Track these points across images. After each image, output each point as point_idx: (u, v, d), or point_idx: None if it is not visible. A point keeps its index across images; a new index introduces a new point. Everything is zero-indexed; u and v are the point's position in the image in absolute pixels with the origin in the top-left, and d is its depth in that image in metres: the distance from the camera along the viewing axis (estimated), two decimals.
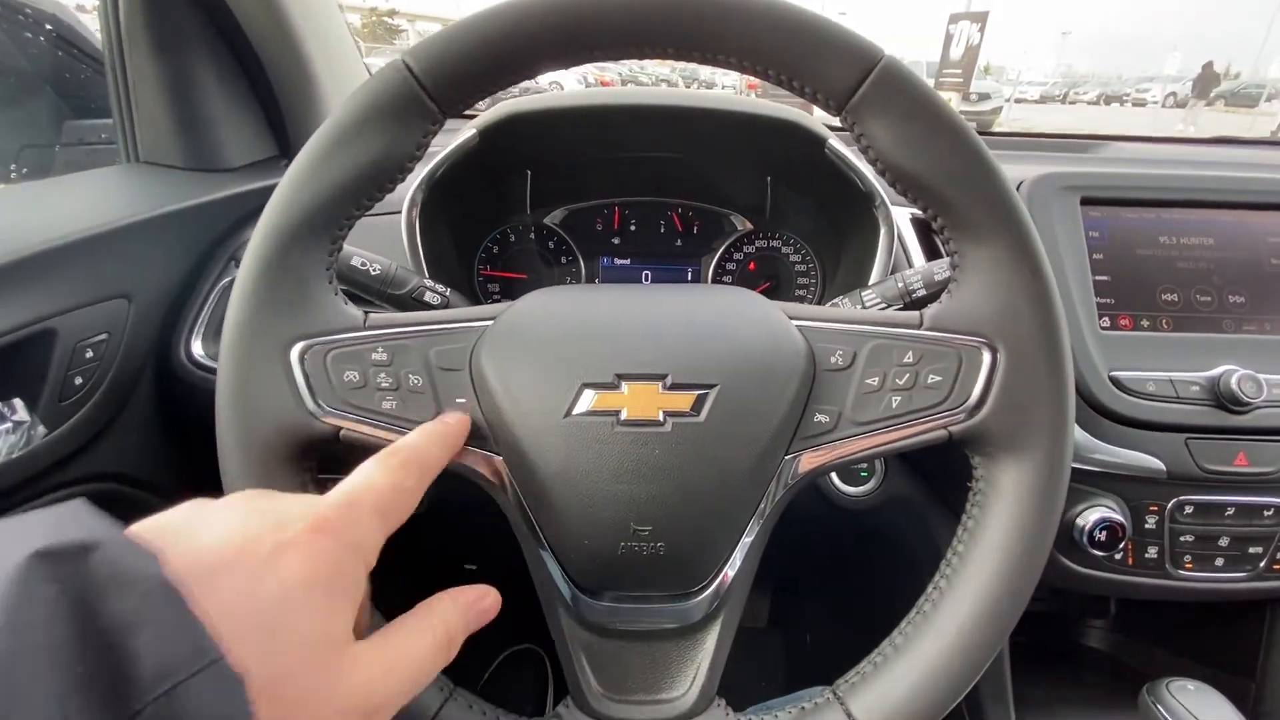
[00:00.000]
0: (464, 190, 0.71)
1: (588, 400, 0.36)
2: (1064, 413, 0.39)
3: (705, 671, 0.39)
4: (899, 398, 0.40)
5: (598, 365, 0.37)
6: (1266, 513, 0.63)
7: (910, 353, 0.40)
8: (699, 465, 0.36)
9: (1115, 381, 0.62)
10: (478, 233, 0.81)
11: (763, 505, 0.39)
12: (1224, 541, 0.63)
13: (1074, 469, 0.63)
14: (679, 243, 0.82)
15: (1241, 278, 0.66)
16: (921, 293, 0.58)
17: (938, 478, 0.71)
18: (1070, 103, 31.75)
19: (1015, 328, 0.39)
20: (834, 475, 0.70)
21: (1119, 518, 0.61)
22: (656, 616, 0.39)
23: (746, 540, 0.39)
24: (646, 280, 0.83)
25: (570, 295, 0.42)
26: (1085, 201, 0.67)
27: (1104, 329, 0.64)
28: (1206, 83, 18.50)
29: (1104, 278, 0.65)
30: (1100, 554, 0.62)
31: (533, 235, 0.81)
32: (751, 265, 0.81)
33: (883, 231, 0.65)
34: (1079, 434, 0.61)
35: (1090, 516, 0.61)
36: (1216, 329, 0.65)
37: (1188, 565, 0.64)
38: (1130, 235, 0.67)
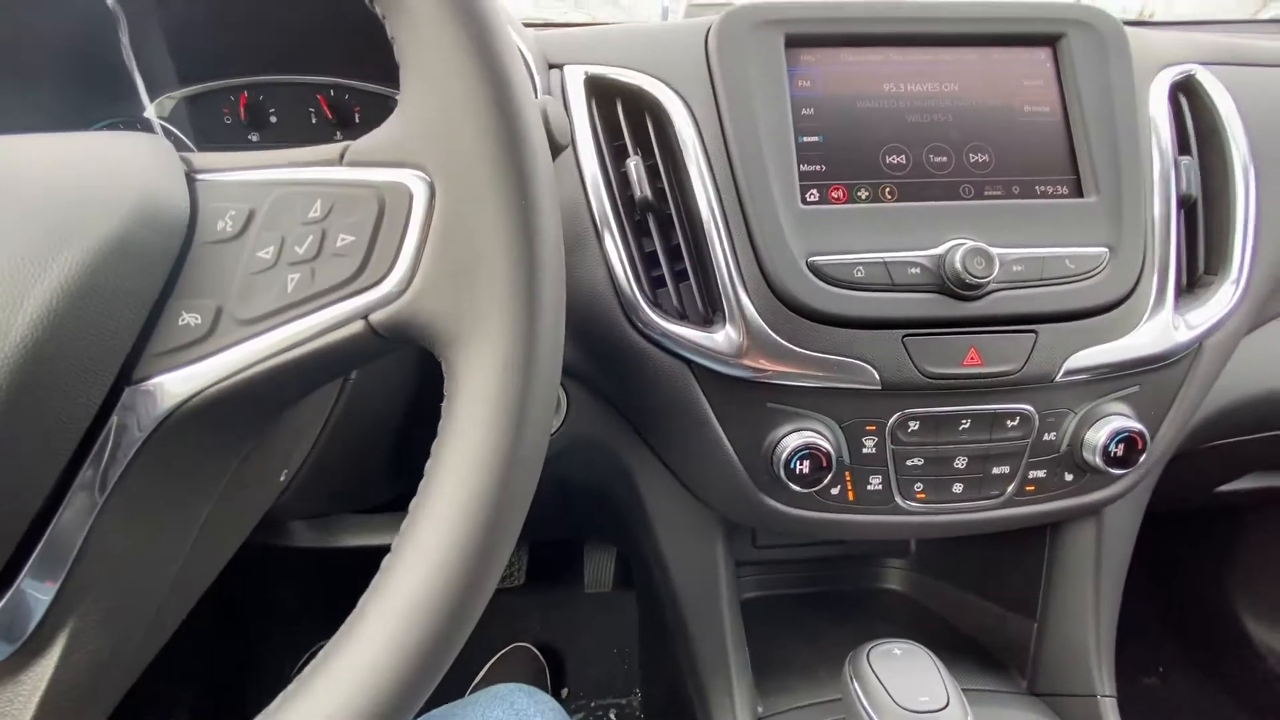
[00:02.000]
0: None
1: None
2: (532, 275, 0.24)
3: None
4: (298, 274, 0.25)
5: None
6: (1010, 422, 0.50)
7: (319, 202, 0.26)
8: None
9: (814, 269, 0.47)
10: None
11: (94, 468, 0.25)
12: (960, 463, 0.51)
13: (768, 384, 0.48)
14: (338, 136, 0.64)
15: (986, 131, 0.52)
16: None
17: (639, 410, 0.56)
18: None
19: (454, 147, 0.24)
20: None
21: (823, 443, 0.48)
22: None
23: (70, 517, 0.24)
24: None
25: None
26: (791, 42, 0.51)
27: (809, 203, 0.49)
28: None
29: (813, 139, 0.50)
30: (804, 490, 0.49)
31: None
32: None
33: None
34: (773, 339, 0.47)
35: (788, 444, 0.48)
36: (953, 195, 0.51)
37: (919, 496, 0.51)
38: (850, 82, 0.52)
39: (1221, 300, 0.52)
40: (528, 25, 0.68)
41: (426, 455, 0.25)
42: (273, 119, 0.64)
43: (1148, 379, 0.51)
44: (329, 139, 0.64)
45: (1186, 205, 0.53)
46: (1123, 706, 0.62)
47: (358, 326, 0.25)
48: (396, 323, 0.25)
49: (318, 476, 0.50)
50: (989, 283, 0.46)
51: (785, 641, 0.70)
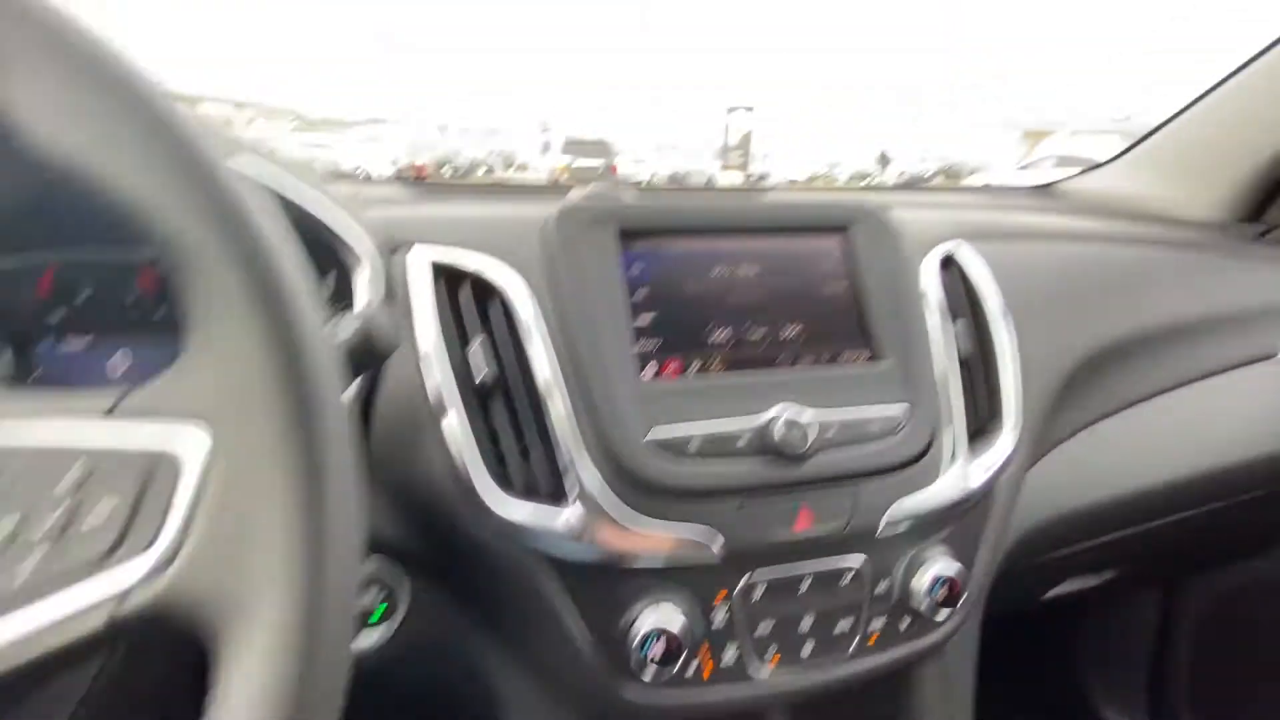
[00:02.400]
0: None
1: None
2: (317, 550, 0.23)
3: None
4: (39, 554, 0.21)
5: None
6: (843, 581, 0.53)
7: (75, 469, 0.23)
8: None
9: (654, 443, 0.49)
10: None
11: None
12: (807, 624, 0.52)
13: (616, 565, 0.47)
14: (159, 313, 0.60)
15: (796, 306, 0.59)
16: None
17: (485, 601, 0.53)
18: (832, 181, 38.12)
19: (239, 405, 0.23)
20: None
21: (675, 624, 0.47)
22: None
23: None
24: (114, 372, 0.59)
25: None
26: (625, 233, 0.56)
27: (645, 379, 0.52)
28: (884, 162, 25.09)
29: (649, 317, 0.55)
30: (661, 673, 0.47)
31: None
32: None
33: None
34: (619, 514, 0.48)
35: (640, 628, 0.47)
36: (773, 364, 0.56)
37: (773, 661, 0.52)
38: (678, 269, 0.57)
39: (1004, 445, 0.60)
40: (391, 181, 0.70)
41: None
42: (84, 297, 0.59)
43: (956, 522, 0.57)
44: (150, 317, 0.60)
45: (965, 364, 0.62)
46: None
47: (98, 624, 0.22)
48: (154, 607, 0.22)
49: None
50: (809, 447, 0.51)
51: None
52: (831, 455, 0.52)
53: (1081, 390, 0.72)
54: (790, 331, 0.58)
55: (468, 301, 0.53)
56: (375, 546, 0.50)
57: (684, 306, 0.56)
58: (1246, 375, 0.82)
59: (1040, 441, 0.68)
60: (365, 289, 0.50)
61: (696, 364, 0.54)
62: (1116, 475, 0.73)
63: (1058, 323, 0.71)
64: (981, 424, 0.62)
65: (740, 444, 0.51)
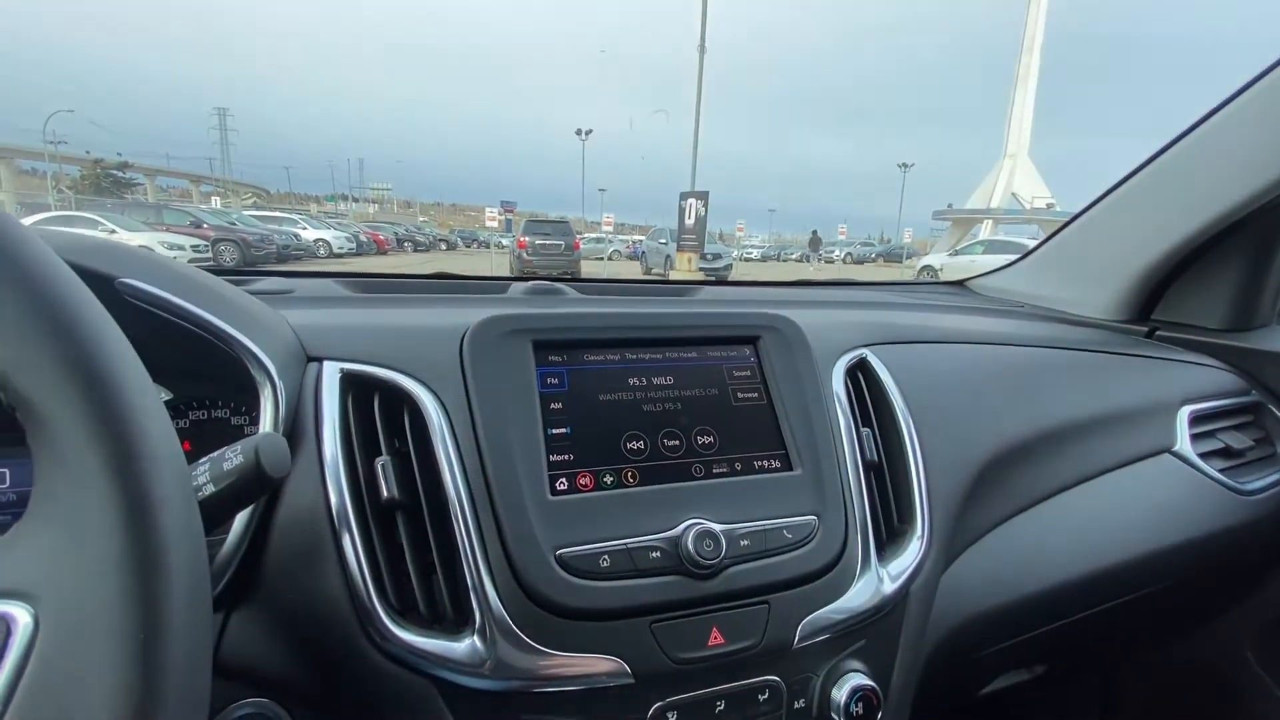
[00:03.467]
0: None
1: None
2: None
3: None
4: None
5: None
6: (762, 696, 0.52)
7: None
8: None
9: (562, 561, 0.49)
10: None
11: None
12: None
13: (520, 694, 0.45)
14: None
15: (709, 415, 0.60)
16: None
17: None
18: (783, 260, 39.26)
19: (73, 583, 0.22)
20: None
21: None
22: None
23: None
24: None
25: None
26: (539, 346, 0.58)
27: (559, 493, 0.52)
28: (815, 244, 27.78)
29: (562, 430, 0.55)
30: None
31: None
32: None
33: None
34: (523, 641, 0.46)
35: None
36: (686, 476, 0.57)
37: None
38: (593, 381, 0.59)
39: (914, 549, 0.62)
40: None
41: None
42: None
43: (871, 630, 0.57)
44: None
45: (873, 470, 0.64)
46: None
47: None
48: None
49: None
50: (720, 560, 0.51)
51: None
52: (744, 569, 0.52)
53: (989, 489, 0.74)
54: (704, 440, 0.59)
55: (379, 416, 0.53)
56: (258, 683, 0.47)
57: (598, 419, 0.57)
58: (1143, 469, 0.87)
59: (952, 543, 0.70)
60: (267, 412, 0.49)
61: (609, 477, 0.55)
62: (1029, 573, 0.75)
63: (963, 423, 0.75)
64: (892, 530, 0.64)
65: (651, 559, 0.50)
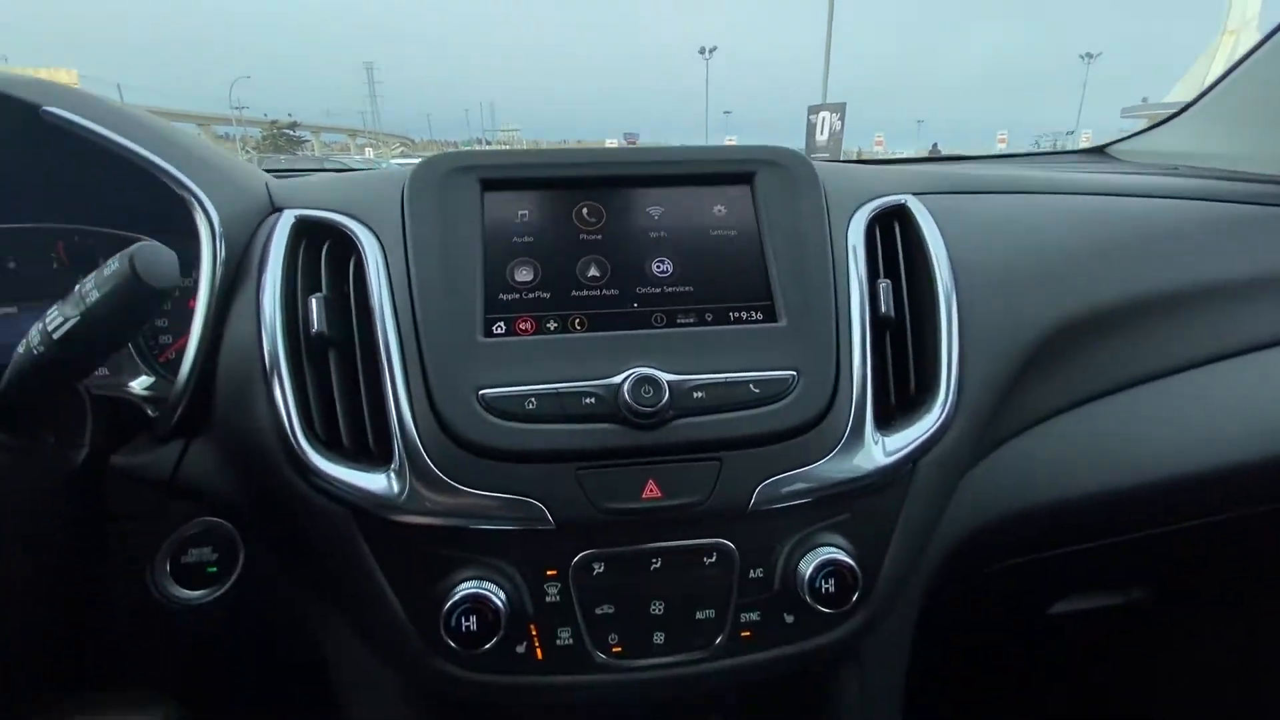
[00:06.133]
0: None
1: None
2: None
3: None
4: None
5: None
6: (708, 559, 0.47)
7: None
8: None
9: (484, 402, 0.45)
10: None
11: None
12: (657, 608, 0.46)
13: (436, 528, 0.44)
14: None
15: (688, 262, 0.53)
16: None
17: (308, 562, 0.50)
18: None
19: None
20: (160, 573, 0.49)
21: (492, 596, 0.43)
22: None
23: None
24: None
25: None
26: (490, 185, 0.53)
27: (494, 335, 0.49)
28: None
29: (503, 273, 0.51)
30: (473, 651, 0.43)
31: None
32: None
33: None
34: (438, 478, 0.44)
35: (452, 598, 0.43)
36: (643, 325, 0.51)
37: (615, 649, 0.46)
38: (548, 220, 0.53)
39: (930, 420, 0.51)
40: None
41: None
42: (11, 265, 0.63)
43: (858, 505, 0.49)
44: (70, 285, 0.64)
45: (887, 327, 0.54)
46: None
47: None
48: None
49: None
50: (661, 410, 0.45)
51: None
52: (692, 421, 0.46)
53: (1058, 365, 0.60)
54: (673, 289, 0.52)
55: (324, 260, 0.52)
56: (212, 505, 0.50)
57: (548, 261, 0.52)
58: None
59: (999, 424, 0.58)
60: (205, 248, 0.50)
61: (554, 324, 0.50)
62: (1107, 467, 0.61)
63: (1034, 283, 0.61)
64: (909, 398, 0.54)
65: (583, 404, 0.46)
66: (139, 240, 0.60)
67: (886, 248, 0.58)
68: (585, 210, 0.53)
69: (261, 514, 0.49)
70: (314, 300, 0.49)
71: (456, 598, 0.43)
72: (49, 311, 0.41)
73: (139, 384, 0.63)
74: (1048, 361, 0.60)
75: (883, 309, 0.53)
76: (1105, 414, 0.62)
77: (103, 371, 0.63)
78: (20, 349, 0.42)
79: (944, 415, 0.51)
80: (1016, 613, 0.78)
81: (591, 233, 0.53)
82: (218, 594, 0.49)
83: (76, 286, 0.40)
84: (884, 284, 0.55)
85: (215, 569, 0.49)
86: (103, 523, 0.49)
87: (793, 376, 0.49)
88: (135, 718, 0.72)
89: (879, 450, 0.49)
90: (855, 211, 0.58)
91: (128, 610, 0.51)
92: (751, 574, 0.47)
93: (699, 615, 0.47)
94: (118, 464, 0.49)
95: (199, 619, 0.49)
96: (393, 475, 0.45)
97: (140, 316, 0.41)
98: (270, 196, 0.57)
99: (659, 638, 0.46)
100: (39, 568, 0.47)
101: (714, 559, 0.46)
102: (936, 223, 0.59)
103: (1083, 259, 0.63)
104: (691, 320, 0.51)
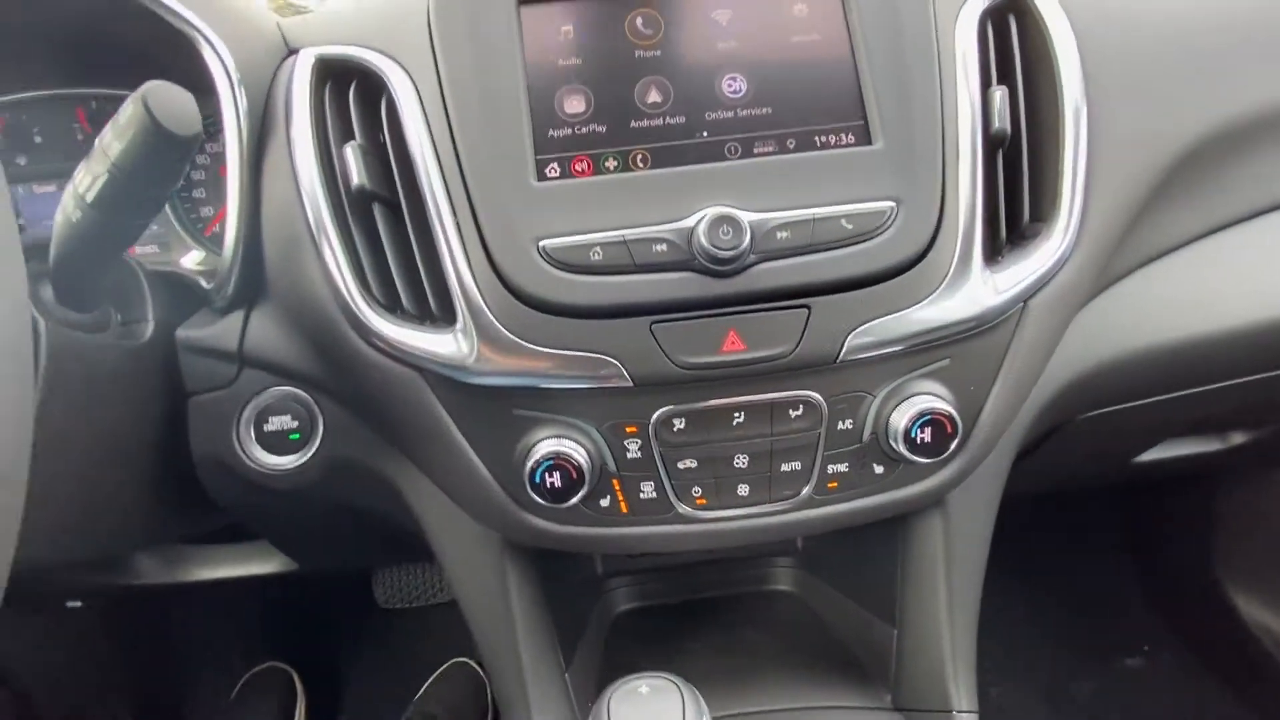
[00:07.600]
0: None
1: None
2: None
3: None
4: None
5: None
6: (794, 412, 0.44)
7: None
8: None
9: (546, 254, 0.41)
10: None
11: None
12: (741, 461, 0.45)
13: (511, 389, 0.42)
14: None
15: (764, 81, 0.45)
16: None
17: (386, 424, 0.50)
18: None
19: None
20: (247, 443, 0.50)
21: (574, 453, 0.42)
22: None
23: None
24: None
25: None
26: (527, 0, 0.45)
27: (548, 179, 0.43)
28: None
29: (551, 105, 0.44)
30: (559, 506, 0.43)
31: None
32: None
33: None
34: (506, 338, 0.41)
35: (534, 456, 0.42)
36: (715, 157, 0.44)
37: (700, 501, 0.45)
38: (596, 39, 0.45)
39: (1047, 252, 0.45)
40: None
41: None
42: (38, 140, 0.60)
43: (959, 350, 0.44)
44: None
45: (1001, 143, 0.46)
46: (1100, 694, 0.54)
47: None
48: None
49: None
50: (743, 254, 0.40)
51: (655, 657, 0.64)
52: (778, 265, 0.41)
53: (1199, 184, 0.52)
54: (749, 112, 0.45)
55: (353, 104, 0.46)
56: (283, 373, 0.49)
57: (602, 88, 0.45)
58: None
59: (1122, 253, 0.51)
60: (226, 99, 0.45)
61: (613, 161, 0.44)
62: (1232, 300, 0.54)
63: (1185, 84, 0.51)
64: (1022, 227, 0.47)
65: (654, 252, 0.41)
66: None
67: (1001, 49, 0.48)
68: (640, 20, 0.45)
69: (333, 380, 0.48)
70: (349, 150, 0.44)
71: (538, 455, 0.42)
72: (76, 173, 0.38)
73: (190, 259, 0.61)
74: (1184, 181, 0.51)
75: (995, 123, 0.45)
76: (1238, 244, 0.54)
77: (153, 248, 0.62)
78: (58, 217, 0.39)
79: (1064, 247, 0.45)
80: (1101, 461, 0.75)
81: (649, 48, 0.45)
82: (305, 458, 0.50)
83: (96, 140, 0.36)
84: (999, 92, 0.46)
85: (298, 435, 0.50)
86: (184, 399, 0.49)
87: (891, 208, 0.42)
88: (261, 563, 0.79)
89: (988, 289, 0.43)
90: (964, 4, 0.48)
91: (223, 484, 0.53)
92: (840, 425, 0.44)
93: (784, 468, 0.45)
94: (184, 338, 0.49)
95: (293, 485, 0.50)
96: (459, 336, 0.42)
97: (169, 166, 0.38)
98: (284, 36, 0.51)
99: (743, 490, 0.45)
100: (141, 442, 0.48)
101: (800, 411, 0.44)
102: (1070, 19, 0.48)
103: (1242, 56, 0.52)
104: (771, 148, 0.44)
